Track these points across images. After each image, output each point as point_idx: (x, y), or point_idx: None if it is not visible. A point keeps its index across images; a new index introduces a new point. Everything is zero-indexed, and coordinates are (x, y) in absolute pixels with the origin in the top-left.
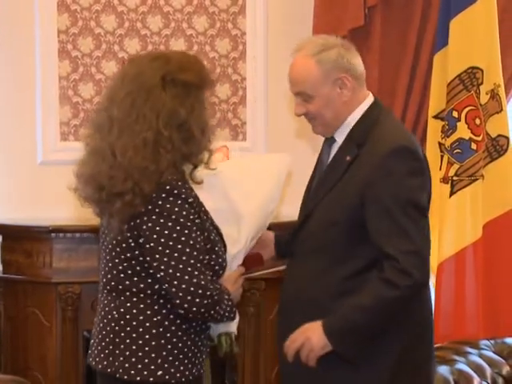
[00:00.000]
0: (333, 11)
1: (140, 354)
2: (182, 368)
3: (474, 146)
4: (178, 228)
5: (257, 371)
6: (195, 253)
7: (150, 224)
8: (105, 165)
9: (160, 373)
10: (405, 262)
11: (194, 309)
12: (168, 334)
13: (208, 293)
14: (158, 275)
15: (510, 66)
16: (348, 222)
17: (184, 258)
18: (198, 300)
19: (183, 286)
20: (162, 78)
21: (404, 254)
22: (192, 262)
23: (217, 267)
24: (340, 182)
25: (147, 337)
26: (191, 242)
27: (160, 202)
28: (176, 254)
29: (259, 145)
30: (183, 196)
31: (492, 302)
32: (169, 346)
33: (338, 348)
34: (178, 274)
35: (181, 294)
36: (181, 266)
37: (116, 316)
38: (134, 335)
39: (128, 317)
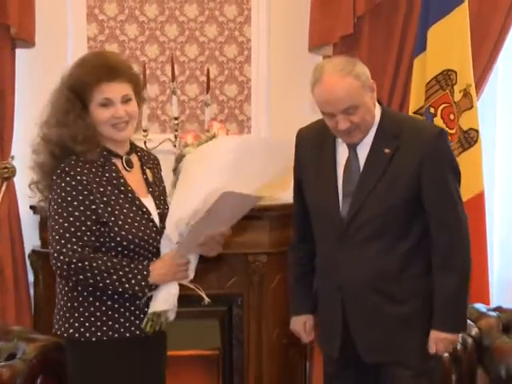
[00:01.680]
0: (326, 20)
1: (61, 313)
2: (92, 329)
3: (448, 138)
4: (59, 201)
5: (260, 332)
6: (66, 224)
7: (50, 196)
8: None
9: (71, 331)
10: (461, 229)
11: (58, 272)
12: (80, 298)
13: (67, 259)
14: None
15: (480, 68)
16: (406, 202)
17: (57, 226)
18: (59, 264)
19: (51, 251)
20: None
21: (457, 221)
22: (61, 231)
23: (119, 238)
24: (389, 171)
25: (65, 299)
26: (65, 215)
27: (54, 177)
28: (53, 223)
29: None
30: (72, 173)
31: None
32: (81, 309)
33: (462, 328)
34: (51, 241)
35: (51, 258)
36: (53, 234)
37: (57, 279)
38: (59, 296)
39: (58, 280)
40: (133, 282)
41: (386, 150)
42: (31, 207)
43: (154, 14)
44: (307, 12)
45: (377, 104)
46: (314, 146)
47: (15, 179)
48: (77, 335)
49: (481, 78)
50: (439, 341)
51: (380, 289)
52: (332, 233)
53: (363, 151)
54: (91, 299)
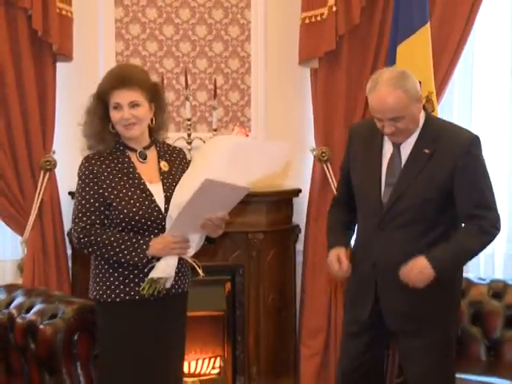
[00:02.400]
0: (313, 38)
1: (90, 279)
2: (108, 292)
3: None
4: (77, 187)
5: (258, 297)
6: (79, 206)
7: None
8: None
9: (95, 293)
10: (495, 220)
11: (75, 246)
12: (100, 266)
13: (76, 235)
14: None
15: (439, 79)
16: (440, 196)
17: (74, 208)
18: (73, 239)
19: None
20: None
21: (494, 214)
22: (76, 212)
23: (122, 216)
24: (426, 168)
25: (92, 267)
26: (79, 198)
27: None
28: (73, 206)
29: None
30: (86, 164)
31: None
32: (100, 275)
33: (439, 277)
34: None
35: None
36: (72, 215)
37: None
38: (90, 264)
39: None
40: (133, 253)
41: (426, 151)
42: (69, 193)
43: (171, 33)
44: (297, 32)
45: (422, 111)
46: (364, 140)
47: (56, 170)
48: (98, 297)
49: (440, 86)
50: (418, 267)
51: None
52: (372, 217)
53: (406, 150)
54: (106, 267)
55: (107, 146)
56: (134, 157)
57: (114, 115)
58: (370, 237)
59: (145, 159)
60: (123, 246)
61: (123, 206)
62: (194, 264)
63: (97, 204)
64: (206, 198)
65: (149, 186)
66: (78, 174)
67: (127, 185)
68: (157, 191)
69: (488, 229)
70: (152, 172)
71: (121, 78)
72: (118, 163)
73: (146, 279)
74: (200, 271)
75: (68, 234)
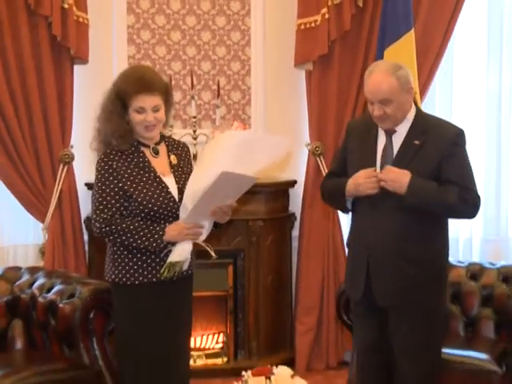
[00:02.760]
0: (307, 43)
1: (107, 262)
2: (127, 275)
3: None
4: (96, 181)
5: (257, 278)
6: (100, 198)
7: None
8: None
9: (113, 276)
10: (477, 200)
11: (95, 234)
12: (118, 251)
13: (98, 224)
14: None
15: (422, 80)
16: None
17: (94, 200)
18: (94, 229)
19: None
20: (110, 87)
21: (476, 195)
22: (96, 204)
23: (141, 207)
24: (416, 157)
25: (110, 252)
26: (99, 192)
27: (96, 163)
28: (92, 198)
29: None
30: (106, 160)
31: None
32: (119, 260)
33: (405, 199)
34: (90, 211)
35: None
36: (92, 206)
37: None
38: (107, 250)
39: None
40: (151, 239)
41: (416, 142)
42: (86, 184)
43: (178, 38)
44: (293, 37)
45: (413, 105)
46: (360, 135)
47: (73, 163)
48: (116, 280)
49: (423, 87)
50: (401, 174)
51: (398, 250)
52: (367, 202)
53: (398, 141)
54: (126, 252)
55: (128, 143)
56: (147, 152)
57: (137, 117)
58: (363, 220)
59: (157, 154)
60: (141, 233)
61: (142, 198)
62: (206, 247)
63: (117, 197)
64: (220, 188)
65: (163, 178)
66: (97, 168)
67: (144, 178)
68: (170, 183)
69: (470, 204)
70: (164, 165)
71: (143, 82)
72: (133, 158)
73: (165, 264)
74: (212, 253)
75: (85, 222)
